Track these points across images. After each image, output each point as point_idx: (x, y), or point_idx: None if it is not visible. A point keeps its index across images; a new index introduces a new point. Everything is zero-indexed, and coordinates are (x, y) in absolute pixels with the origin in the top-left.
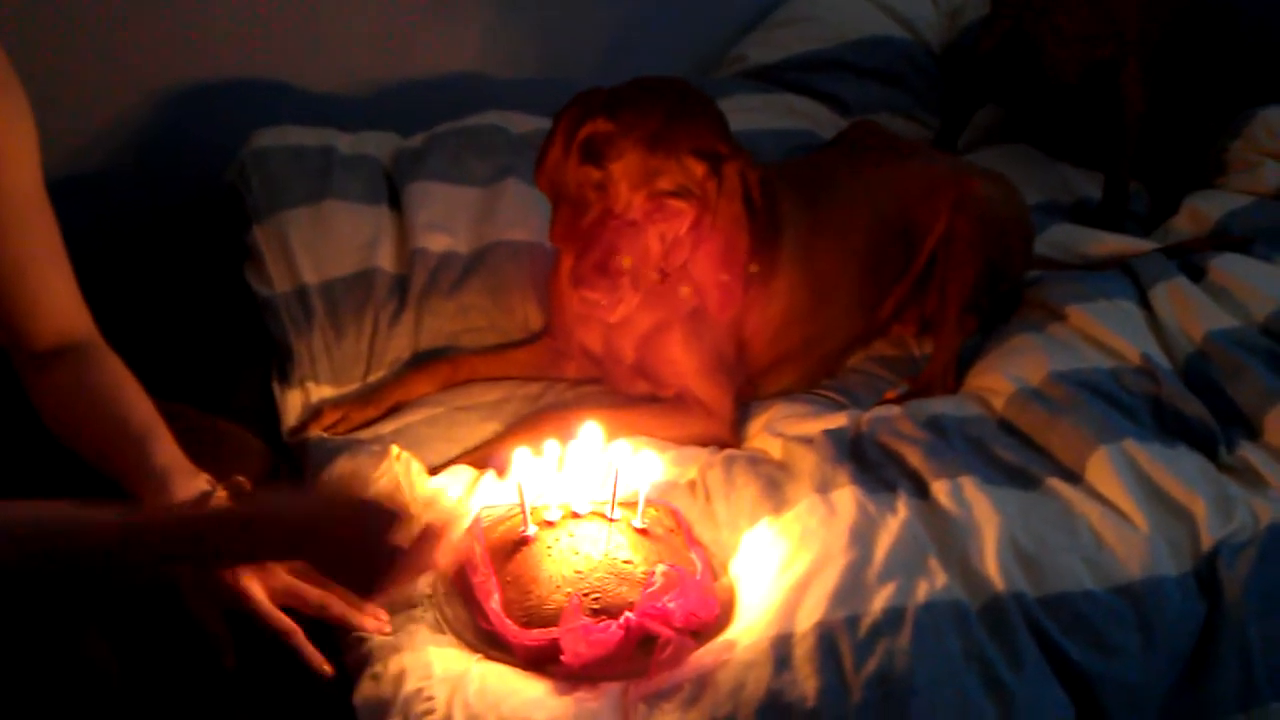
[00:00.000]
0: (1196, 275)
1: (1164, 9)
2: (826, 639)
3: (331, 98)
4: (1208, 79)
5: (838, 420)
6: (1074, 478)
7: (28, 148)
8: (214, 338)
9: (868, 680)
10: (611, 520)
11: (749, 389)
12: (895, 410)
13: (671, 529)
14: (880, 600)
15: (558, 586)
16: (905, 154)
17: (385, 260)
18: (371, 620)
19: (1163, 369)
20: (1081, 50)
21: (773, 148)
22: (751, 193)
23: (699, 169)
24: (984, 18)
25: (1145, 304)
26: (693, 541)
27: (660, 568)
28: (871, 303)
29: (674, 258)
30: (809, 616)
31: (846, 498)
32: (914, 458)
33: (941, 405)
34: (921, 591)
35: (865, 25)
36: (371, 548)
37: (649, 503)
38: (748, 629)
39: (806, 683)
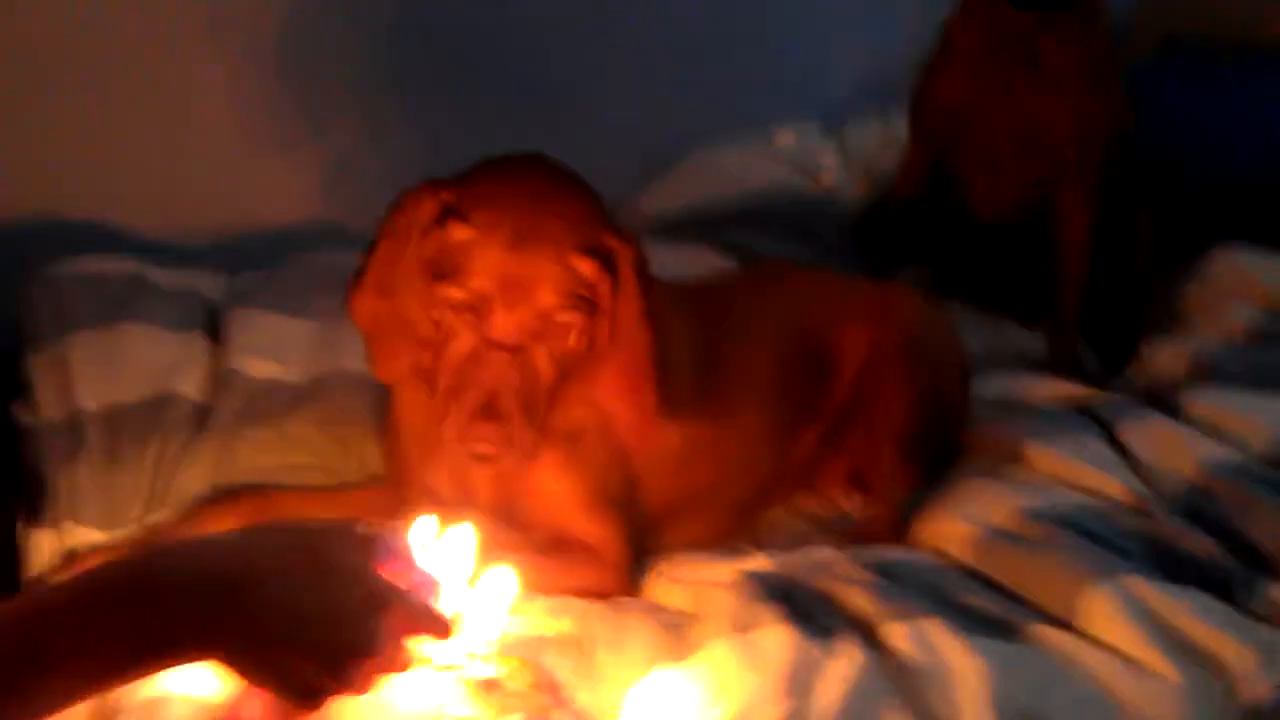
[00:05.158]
0: (1171, 413)
1: (1098, 130)
2: None
3: (168, 246)
4: (1148, 223)
5: (759, 563)
6: (1065, 624)
7: None
8: None
9: None
10: (443, 666)
11: (645, 540)
12: (830, 553)
13: (533, 684)
14: None
15: None
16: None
17: (188, 387)
18: None
19: (1157, 506)
20: (1014, 180)
21: None
22: (649, 284)
23: (586, 268)
24: (900, 160)
25: (1115, 446)
26: (560, 702)
27: (520, 703)
28: (783, 438)
29: (567, 377)
30: None
31: (776, 637)
32: (858, 599)
33: (889, 552)
34: None
35: (768, 175)
36: (349, 618)
37: (504, 652)
38: None
39: None
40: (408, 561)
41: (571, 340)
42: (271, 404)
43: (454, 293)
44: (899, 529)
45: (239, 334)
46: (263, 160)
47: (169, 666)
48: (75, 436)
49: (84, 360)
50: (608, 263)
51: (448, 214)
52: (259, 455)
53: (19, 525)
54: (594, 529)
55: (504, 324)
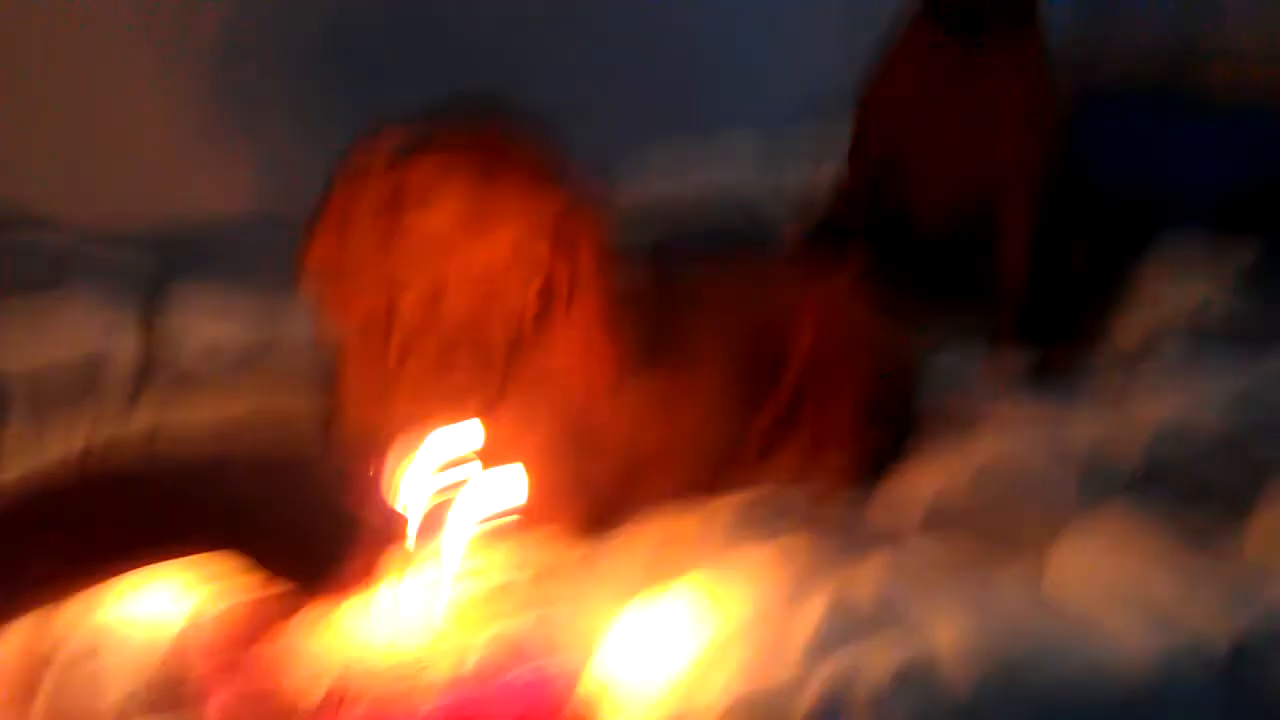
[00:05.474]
0: (1128, 380)
1: (1038, 144)
2: None
3: (92, 232)
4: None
5: (731, 502)
6: (1037, 563)
7: None
8: None
9: None
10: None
11: (606, 504)
12: (800, 497)
13: (514, 606)
14: (816, 680)
15: (315, 671)
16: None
17: (122, 349)
18: None
19: (1119, 459)
20: (955, 193)
21: None
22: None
23: (547, 212)
24: (840, 176)
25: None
26: (543, 623)
27: (484, 634)
28: (740, 411)
29: (529, 322)
30: (721, 692)
31: (765, 555)
32: (833, 537)
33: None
34: (873, 671)
35: (707, 182)
36: (328, 519)
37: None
38: None
39: None
40: (383, 472)
41: (534, 280)
42: (212, 365)
43: (415, 231)
44: (853, 499)
45: (176, 301)
46: (196, 152)
47: (139, 567)
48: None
49: (10, 325)
50: (569, 209)
51: (407, 151)
52: (200, 414)
53: None
54: (551, 473)
55: (466, 262)
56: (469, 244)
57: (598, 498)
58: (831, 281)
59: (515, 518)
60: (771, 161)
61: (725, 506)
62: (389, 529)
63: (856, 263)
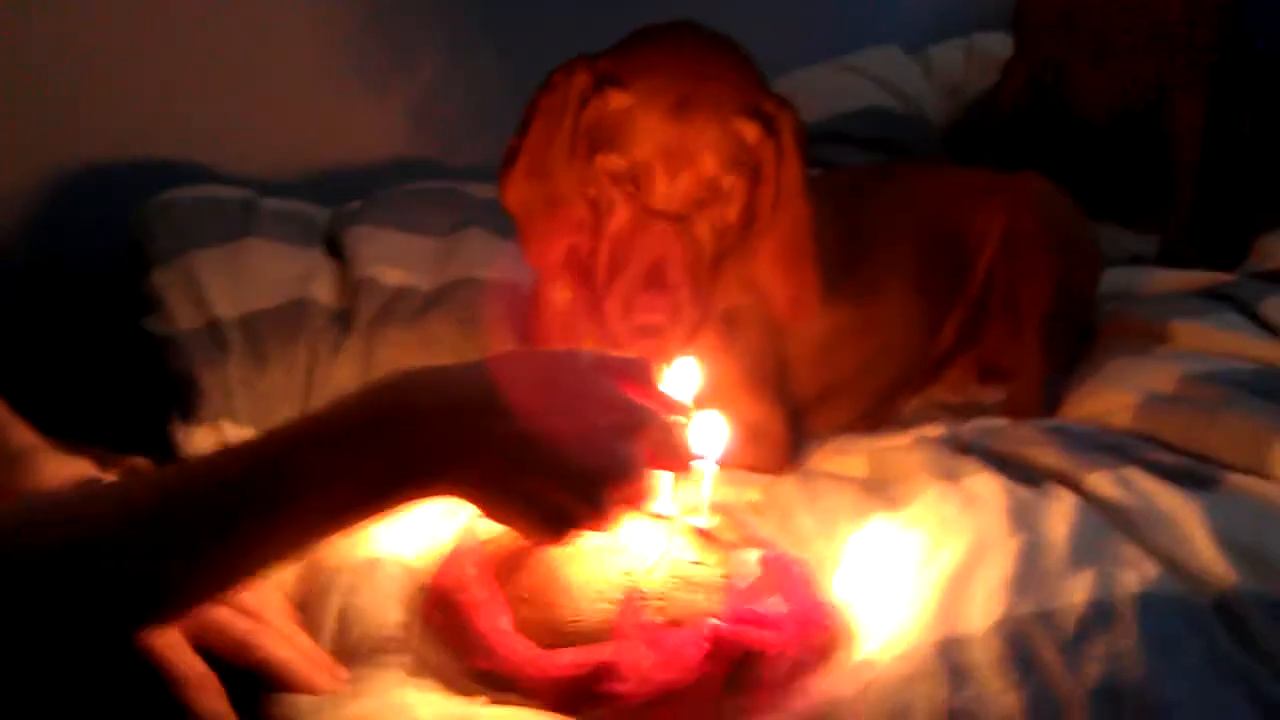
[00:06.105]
0: None
1: (1208, 14)
2: (1018, 639)
3: (256, 180)
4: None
5: (933, 430)
6: (1259, 474)
7: None
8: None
9: (1094, 691)
10: (660, 516)
11: (798, 434)
12: (999, 421)
13: (744, 539)
14: (1079, 591)
15: (600, 593)
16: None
17: (321, 293)
18: (322, 675)
19: None
20: (1124, 73)
21: None
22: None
23: (750, 132)
24: (1003, 71)
25: (1258, 321)
26: (778, 553)
27: (754, 553)
28: (925, 328)
29: (727, 252)
30: (986, 613)
31: (988, 483)
32: (1048, 456)
33: (1054, 422)
34: (1131, 582)
35: (856, 98)
36: (602, 442)
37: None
38: (889, 643)
39: (1003, 697)
40: (653, 387)
41: (734, 209)
42: (407, 307)
43: (615, 163)
44: (1043, 409)
45: (362, 247)
46: (348, 99)
47: (414, 501)
48: (217, 342)
49: (212, 273)
50: (769, 127)
51: (604, 83)
52: (401, 355)
53: (175, 424)
54: (756, 408)
55: (667, 192)
56: (671, 170)
57: (792, 428)
58: (1018, 187)
59: (725, 451)
60: (919, 77)
61: (930, 433)
62: (667, 446)
63: (1036, 169)
